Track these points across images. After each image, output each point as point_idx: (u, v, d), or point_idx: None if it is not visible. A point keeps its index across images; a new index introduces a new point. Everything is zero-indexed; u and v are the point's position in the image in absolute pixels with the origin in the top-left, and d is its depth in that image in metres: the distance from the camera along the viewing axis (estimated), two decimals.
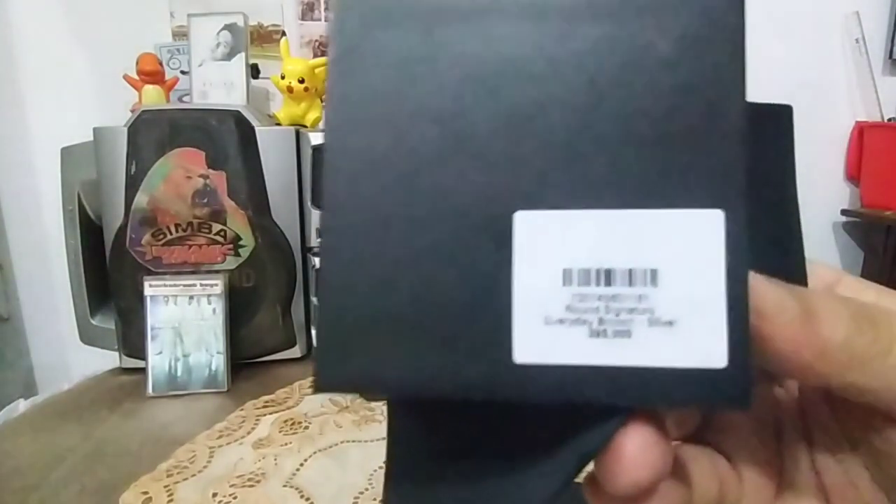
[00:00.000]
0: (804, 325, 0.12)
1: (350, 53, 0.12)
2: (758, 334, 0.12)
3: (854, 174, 1.24)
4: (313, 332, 0.73)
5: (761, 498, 0.17)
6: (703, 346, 0.11)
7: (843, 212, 1.25)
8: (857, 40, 1.18)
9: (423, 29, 0.12)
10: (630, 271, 0.11)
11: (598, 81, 0.12)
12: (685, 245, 0.11)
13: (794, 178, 0.18)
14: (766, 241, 0.15)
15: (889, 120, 1.19)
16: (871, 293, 0.16)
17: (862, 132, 1.21)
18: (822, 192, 1.25)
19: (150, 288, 0.63)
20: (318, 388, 0.12)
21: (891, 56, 1.21)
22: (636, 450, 0.12)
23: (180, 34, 1.00)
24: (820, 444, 0.17)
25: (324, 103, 0.13)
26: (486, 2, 0.12)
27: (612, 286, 0.11)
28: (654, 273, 0.11)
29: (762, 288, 0.12)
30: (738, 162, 0.11)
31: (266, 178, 0.68)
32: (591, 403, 0.11)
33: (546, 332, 0.11)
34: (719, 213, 0.11)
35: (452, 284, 0.11)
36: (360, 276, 0.12)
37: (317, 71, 0.80)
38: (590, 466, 0.13)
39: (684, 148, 0.11)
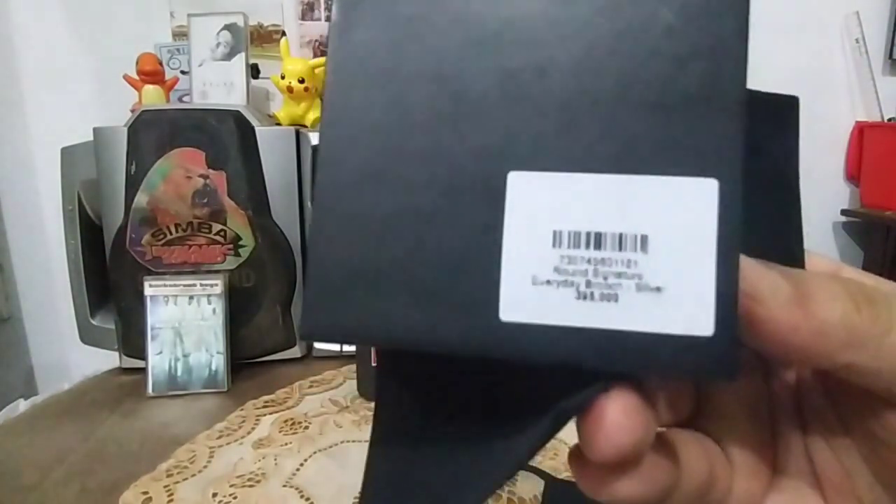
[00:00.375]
0: (800, 306, 0.12)
1: (352, 10, 0.12)
2: (754, 317, 0.12)
3: (854, 174, 1.24)
4: None
5: (752, 485, 0.16)
6: (690, 313, 0.11)
7: (843, 212, 1.25)
8: (857, 40, 1.18)
9: None
10: (620, 236, 0.11)
11: (599, 46, 0.11)
12: (677, 213, 0.11)
13: (797, 170, 0.17)
14: (766, 229, 0.15)
15: (889, 120, 1.19)
16: (870, 283, 0.16)
17: (862, 132, 1.21)
18: (822, 192, 1.25)
19: (150, 288, 0.63)
20: (303, 334, 0.12)
21: (891, 56, 1.21)
22: (618, 414, 0.11)
23: (180, 34, 1.00)
24: (815, 431, 0.17)
25: (325, 60, 0.13)
26: None
27: (602, 250, 0.11)
28: (644, 239, 0.11)
29: (757, 271, 0.12)
30: (737, 133, 0.11)
31: (266, 178, 0.68)
32: (575, 366, 0.11)
33: (533, 292, 0.11)
34: (714, 182, 0.11)
35: (443, 241, 0.11)
36: (351, 229, 0.12)
37: (317, 71, 0.80)
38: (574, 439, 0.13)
39: (683, 116, 0.11)
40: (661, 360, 0.11)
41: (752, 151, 0.12)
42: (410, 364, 0.14)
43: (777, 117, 0.17)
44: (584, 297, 0.11)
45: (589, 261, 0.11)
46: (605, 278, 0.11)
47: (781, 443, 0.17)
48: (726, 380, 0.11)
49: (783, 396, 0.17)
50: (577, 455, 0.13)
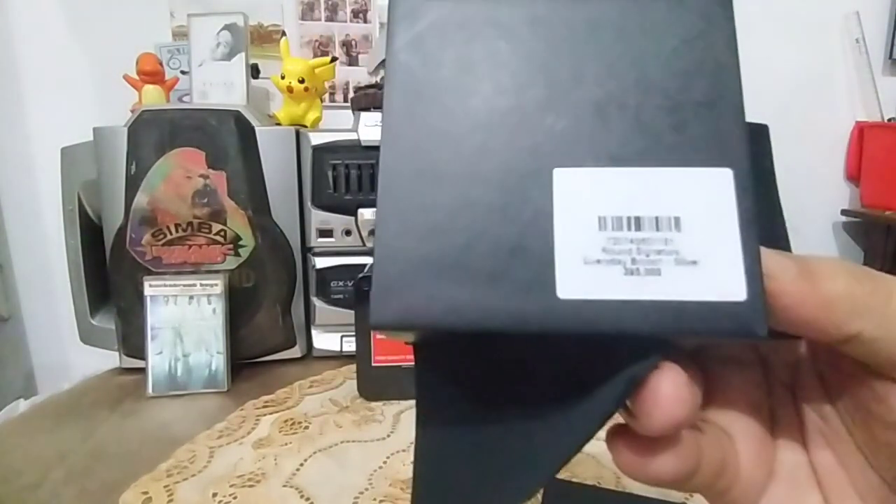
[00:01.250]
0: (806, 280, 0.13)
1: (405, 25, 0.14)
2: (767, 294, 0.13)
3: (854, 174, 1.24)
4: (313, 331, 0.73)
5: (756, 475, 0.17)
6: (724, 281, 0.12)
7: (843, 212, 1.25)
8: (857, 40, 1.18)
9: (475, 19, 0.14)
10: (656, 218, 0.12)
11: (622, 63, 0.14)
12: (702, 197, 0.12)
13: (776, 187, 0.19)
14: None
15: (889, 120, 1.19)
16: None
17: (862, 132, 1.21)
18: (822, 192, 1.25)
19: (150, 288, 0.63)
20: (374, 324, 0.13)
21: (891, 56, 1.21)
22: (672, 387, 0.13)
23: (180, 34, 1.00)
24: (810, 422, 0.17)
25: (384, 68, 0.14)
26: (529, 2, 0.14)
27: (642, 231, 0.12)
28: (677, 220, 0.12)
29: (764, 253, 0.13)
30: (741, 130, 0.13)
31: (266, 178, 0.68)
32: (630, 334, 0.12)
33: (586, 270, 0.12)
34: (728, 171, 0.13)
35: (500, 230, 0.13)
36: (414, 222, 0.13)
37: (317, 71, 0.80)
38: (610, 421, 0.13)
39: (695, 119, 0.13)
40: (703, 325, 0.12)
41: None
42: (448, 354, 0.15)
43: (753, 141, 0.18)
44: (632, 273, 0.12)
45: (632, 241, 0.12)
46: (648, 255, 0.12)
47: (780, 433, 0.18)
48: (760, 338, 0.12)
49: (780, 390, 0.18)
50: (620, 434, 0.14)
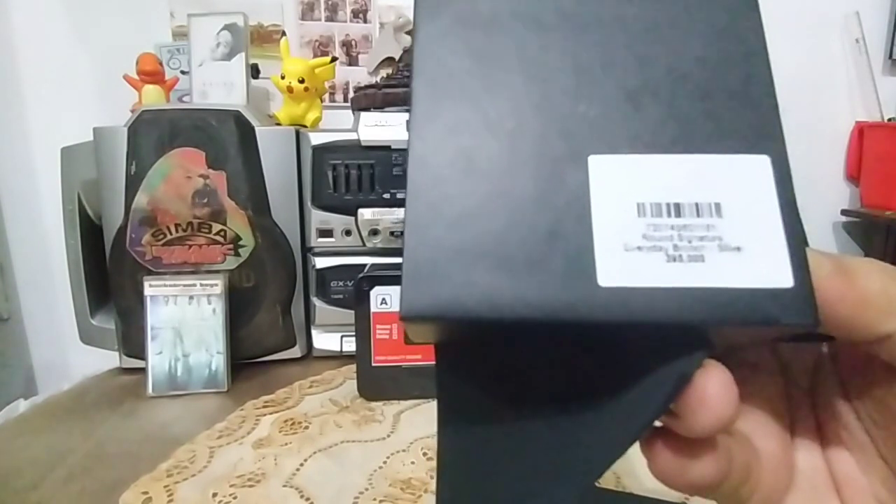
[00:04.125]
0: (842, 277, 0.13)
1: (434, 13, 0.14)
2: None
3: (854, 174, 1.24)
4: (313, 331, 0.73)
5: (776, 482, 0.17)
6: (770, 268, 0.12)
7: (843, 212, 1.25)
8: (857, 40, 1.18)
9: (505, 12, 0.14)
10: (697, 204, 0.12)
11: (651, 57, 0.14)
12: (741, 184, 0.12)
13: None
14: None
15: (889, 120, 1.19)
16: None
17: (862, 132, 1.21)
18: (822, 192, 1.25)
19: (150, 288, 0.63)
20: (404, 316, 0.12)
21: (891, 56, 1.21)
22: (720, 386, 0.12)
23: (180, 34, 1.00)
24: (830, 431, 0.17)
25: (412, 56, 0.14)
26: None
27: (682, 217, 0.12)
28: (717, 206, 0.12)
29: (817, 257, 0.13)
30: (776, 119, 0.13)
31: (266, 178, 0.68)
32: (676, 323, 0.12)
33: (626, 257, 0.12)
34: (766, 157, 0.12)
35: (536, 217, 0.12)
36: (446, 212, 0.13)
37: (317, 71, 0.80)
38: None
39: (730, 108, 0.13)
40: (752, 313, 0.11)
41: None
42: (472, 355, 0.15)
43: None
44: (674, 260, 0.12)
45: (672, 227, 0.12)
46: (690, 241, 0.12)
47: (800, 443, 0.18)
48: (811, 326, 0.12)
49: (799, 397, 0.18)
50: (658, 437, 0.14)
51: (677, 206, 0.12)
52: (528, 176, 0.13)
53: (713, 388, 0.12)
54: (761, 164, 0.12)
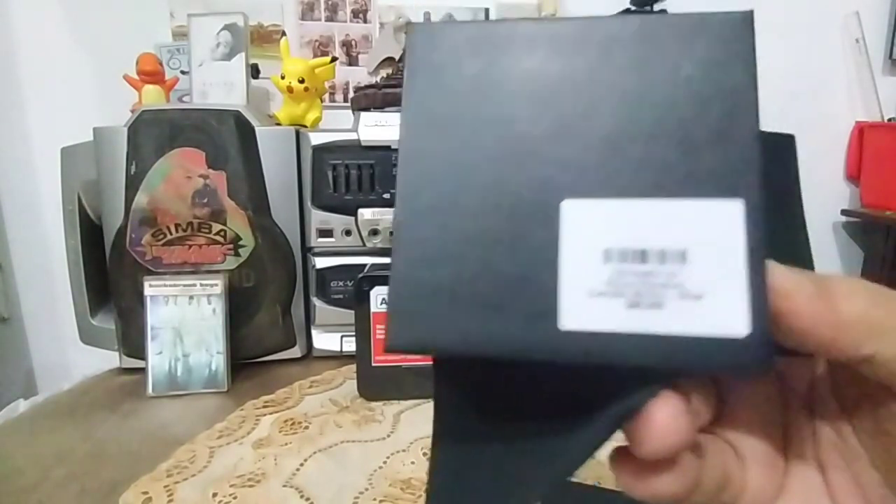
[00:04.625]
0: (823, 301, 0.13)
1: (423, 67, 0.15)
2: (783, 312, 0.13)
3: (854, 174, 1.24)
4: (313, 331, 0.73)
5: (765, 487, 0.17)
6: (728, 316, 0.12)
7: (843, 212, 1.25)
8: (857, 40, 1.18)
9: (489, 51, 0.14)
10: (662, 251, 0.12)
11: (632, 93, 0.14)
12: (711, 229, 0.12)
13: (800, 199, 0.19)
14: (774, 253, 0.16)
15: (889, 120, 1.19)
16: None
17: (862, 132, 1.21)
18: (822, 192, 1.25)
19: (150, 288, 0.63)
20: (389, 348, 0.14)
21: (891, 56, 1.21)
22: (667, 417, 0.13)
23: (180, 34, 1.00)
24: (825, 437, 0.17)
25: (400, 107, 0.15)
26: (541, 32, 0.14)
27: (647, 264, 0.12)
28: (683, 253, 0.12)
29: (781, 271, 0.13)
30: (755, 159, 0.13)
31: (266, 178, 0.68)
32: (629, 366, 0.12)
33: (589, 303, 0.12)
34: (740, 202, 0.12)
35: (507, 261, 0.13)
36: (427, 253, 0.14)
37: (317, 71, 0.80)
38: (613, 442, 0.14)
39: (708, 148, 0.13)
40: (704, 360, 0.12)
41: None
42: (465, 371, 0.16)
43: (778, 152, 0.19)
44: (634, 306, 0.12)
45: (636, 274, 0.12)
46: (651, 288, 0.12)
47: (793, 448, 0.18)
48: (762, 375, 0.13)
49: (795, 404, 0.18)
50: (621, 455, 0.15)
51: (643, 252, 0.12)
52: (505, 220, 0.13)
53: (660, 417, 0.13)
54: (734, 209, 0.12)
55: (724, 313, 0.12)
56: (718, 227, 0.12)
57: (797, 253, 0.19)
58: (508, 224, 0.13)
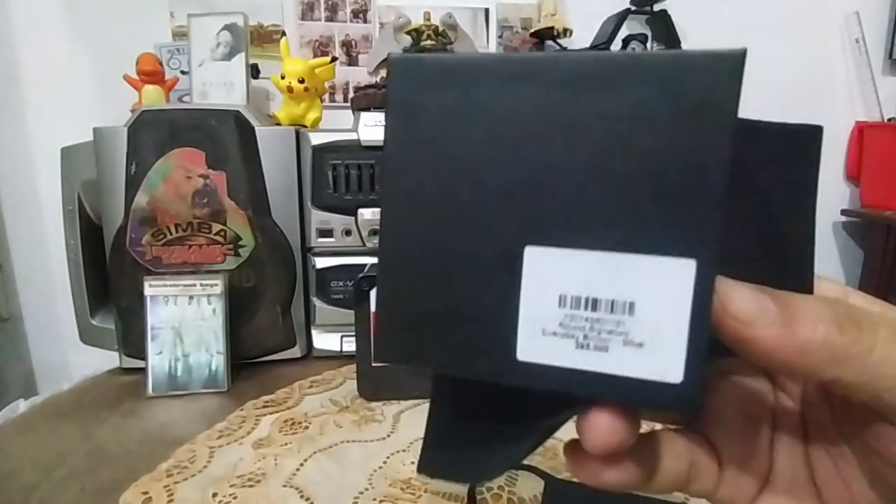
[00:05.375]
0: (784, 327, 0.13)
1: (402, 108, 0.15)
2: (743, 339, 0.14)
3: (854, 174, 1.24)
4: (313, 331, 0.73)
5: (742, 484, 0.18)
6: (665, 365, 0.13)
7: (843, 212, 1.25)
8: (857, 40, 1.18)
9: (462, 91, 0.15)
10: (612, 302, 0.13)
11: (602, 142, 0.14)
12: (661, 285, 0.13)
13: (815, 199, 0.18)
14: (776, 253, 0.17)
15: (889, 120, 1.19)
16: (876, 308, 0.17)
17: (862, 132, 1.21)
18: (822, 191, 1.24)
19: (150, 288, 0.63)
20: (378, 359, 0.16)
21: (891, 56, 1.21)
22: (605, 421, 0.14)
23: (180, 34, 1.00)
24: (815, 440, 0.18)
25: (382, 152, 0.15)
26: (516, 69, 0.14)
27: (597, 312, 0.14)
28: (632, 305, 0.13)
29: (743, 296, 0.14)
30: (715, 220, 0.13)
31: (266, 178, 0.68)
32: (571, 394, 0.14)
33: (543, 340, 0.14)
34: (693, 262, 0.13)
35: (476, 299, 0.15)
36: (408, 285, 0.16)
37: (317, 71, 0.80)
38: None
39: (671, 204, 0.13)
40: (639, 397, 0.14)
41: (770, 181, 0.15)
42: (455, 381, 0.18)
43: (802, 144, 0.18)
44: (582, 347, 0.14)
45: (587, 319, 0.14)
46: (599, 333, 0.14)
47: (783, 450, 0.18)
48: (691, 414, 0.15)
49: (788, 407, 0.19)
50: (572, 448, 0.16)
51: (595, 301, 0.14)
52: (474, 262, 0.15)
53: (600, 421, 0.14)
54: (686, 268, 0.13)
55: (661, 362, 0.13)
56: (669, 283, 0.13)
57: (799, 246, 0.18)
58: (478, 266, 0.15)
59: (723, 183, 0.13)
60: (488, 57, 0.15)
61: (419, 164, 0.15)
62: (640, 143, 0.13)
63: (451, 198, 0.15)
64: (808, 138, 0.18)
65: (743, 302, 0.13)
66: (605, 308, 0.13)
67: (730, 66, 0.13)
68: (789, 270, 0.18)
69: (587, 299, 0.14)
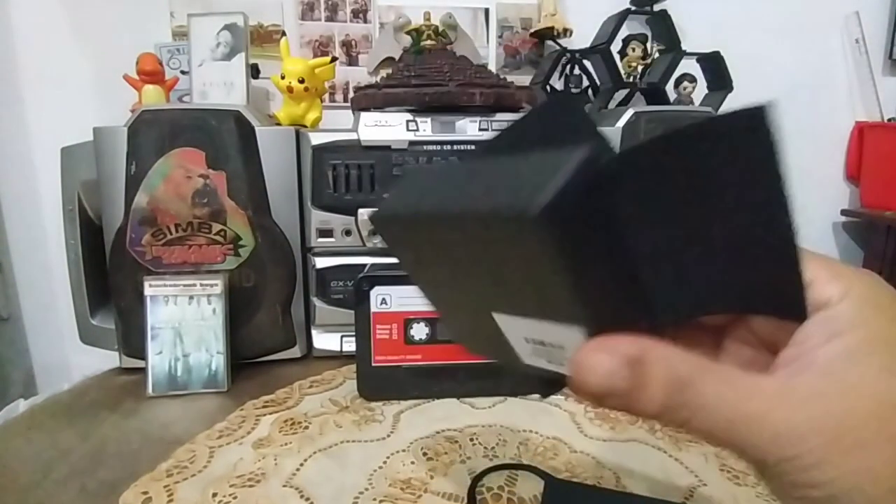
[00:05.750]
0: (631, 402, 0.18)
1: (394, 251, 0.23)
2: (605, 404, 0.18)
3: (854, 174, 1.24)
4: (313, 331, 0.73)
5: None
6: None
7: (843, 212, 1.25)
8: (857, 40, 1.18)
9: (425, 236, 0.21)
10: (552, 343, 0.20)
11: (493, 264, 0.19)
12: (569, 336, 0.18)
13: (783, 187, 0.16)
14: (760, 261, 0.18)
15: (889, 120, 1.19)
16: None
17: (862, 132, 1.21)
18: (822, 192, 1.25)
19: (150, 288, 0.63)
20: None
21: (891, 56, 1.21)
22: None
23: (180, 34, 1.00)
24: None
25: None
26: (448, 226, 0.19)
27: (546, 347, 0.20)
28: (561, 344, 0.19)
29: (604, 369, 0.17)
30: (581, 307, 0.17)
31: (266, 178, 0.67)
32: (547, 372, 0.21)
33: (530, 357, 0.22)
34: (582, 329, 0.18)
35: (477, 338, 0.25)
36: (456, 335, 0.27)
37: (317, 71, 0.80)
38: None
39: (554, 299, 0.18)
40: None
41: (727, 184, 0.16)
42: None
43: (746, 139, 0.16)
44: (549, 363, 0.21)
45: (544, 350, 0.20)
46: (554, 357, 0.20)
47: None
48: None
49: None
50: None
51: (542, 342, 0.20)
52: (468, 316, 0.24)
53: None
54: (579, 331, 0.18)
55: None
56: (571, 335, 0.18)
57: (781, 248, 0.17)
58: (472, 319, 0.23)
59: (573, 276, 0.16)
60: (437, 213, 0.19)
61: (425, 281, 0.24)
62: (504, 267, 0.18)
63: (444, 288, 0.24)
64: (749, 124, 0.15)
65: (600, 374, 0.17)
66: (549, 345, 0.20)
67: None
68: (778, 274, 0.18)
69: (538, 340, 0.20)
